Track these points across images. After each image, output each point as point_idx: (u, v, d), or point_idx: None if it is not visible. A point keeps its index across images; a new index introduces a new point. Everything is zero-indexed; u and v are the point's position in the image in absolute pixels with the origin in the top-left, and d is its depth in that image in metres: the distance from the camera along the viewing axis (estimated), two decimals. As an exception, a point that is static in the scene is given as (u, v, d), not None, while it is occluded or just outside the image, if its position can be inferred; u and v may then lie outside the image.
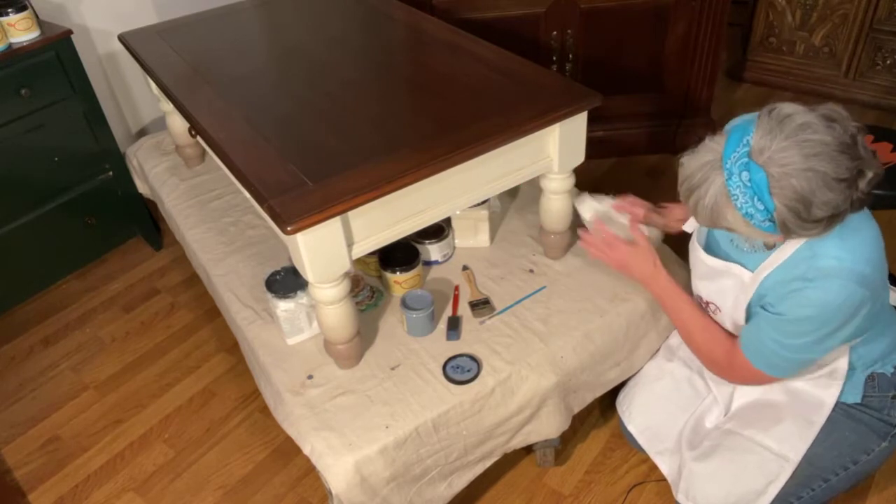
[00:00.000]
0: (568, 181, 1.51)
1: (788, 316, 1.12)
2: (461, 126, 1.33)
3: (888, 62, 2.76)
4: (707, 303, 1.33)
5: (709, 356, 1.31)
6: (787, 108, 1.01)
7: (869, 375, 1.28)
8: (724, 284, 1.26)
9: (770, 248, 1.17)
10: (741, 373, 1.25)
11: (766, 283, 1.17)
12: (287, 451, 1.76)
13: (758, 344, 1.19)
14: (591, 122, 1.46)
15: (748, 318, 1.23)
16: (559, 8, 2.34)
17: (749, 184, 1.00)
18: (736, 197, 1.02)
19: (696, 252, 1.33)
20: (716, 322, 1.32)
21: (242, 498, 1.68)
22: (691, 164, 1.08)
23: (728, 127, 1.10)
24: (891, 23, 2.67)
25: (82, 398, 1.96)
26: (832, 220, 1.01)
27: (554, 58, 2.44)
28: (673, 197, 1.56)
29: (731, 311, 1.26)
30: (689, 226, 1.43)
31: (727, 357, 1.26)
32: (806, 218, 0.99)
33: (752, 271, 1.20)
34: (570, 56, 2.43)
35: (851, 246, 1.08)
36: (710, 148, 1.06)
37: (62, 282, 2.35)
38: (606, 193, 1.52)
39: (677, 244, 1.68)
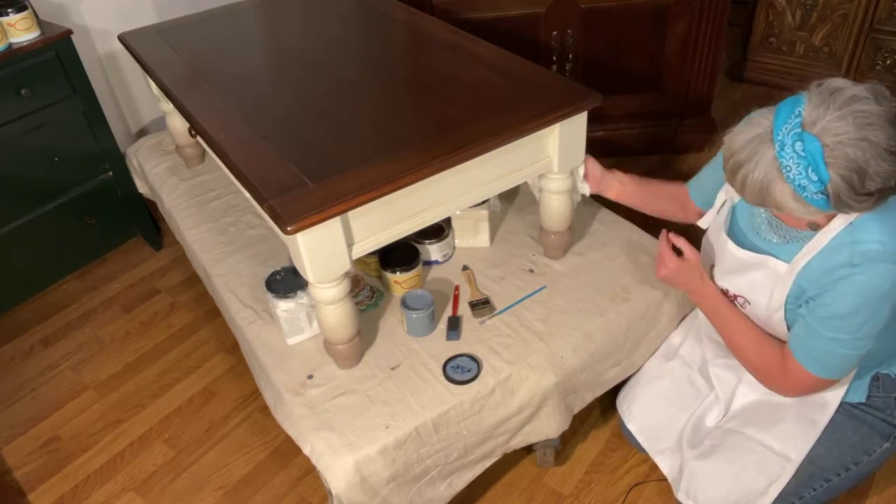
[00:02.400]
0: (568, 181, 1.51)
1: (838, 309, 1.10)
2: (461, 126, 1.33)
3: (888, 62, 2.76)
4: (735, 296, 1.30)
5: (761, 369, 1.27)
6: (837, 81, 1.01)
7: (874, 376, 1.28)
8: (755, 278, 1.24)
9: (815, 229, 1.13)
10: (797, 382, 1.21)
11: (806, 274, 1.15)
12: (287, 451, 1.76)
13: (810, 346, 1.16)
14: (591, 122, 1.46)
15: (787, 312, 1.21)
16: (559, 8, 2.34)
17: (803, 153, 0.98)
18: (788, 168, 1.00)
19: (724, 245, 1.30)
20: (766, 333, 1.28)
21: (242, 498, 1.68)
22: (737, 139, 1.06)
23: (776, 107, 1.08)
24: (891, 23, 2.67)
25: (82, 398, 1.96)
26: (882, 194, 1.00)
27: (554, 58, 2.44)
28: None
29: (766, 305, 1.23)
30: (705, 221, 1.42)
31: (780, 368, 1.23)
32: (859, 190, 0.98)
33: (788, 262, 1.18)
34: (570, 56, 2.43)
35: (893, 230, 1.07)
36: (758, 122, 1.04)
37: (62, 282, 2.35)
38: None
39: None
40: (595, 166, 1.55)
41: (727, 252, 1.30)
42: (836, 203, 1.00)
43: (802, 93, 1.03)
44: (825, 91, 1.00)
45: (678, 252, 1.36)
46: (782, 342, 1.26)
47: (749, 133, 1.04)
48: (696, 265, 1.33)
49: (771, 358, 1.25)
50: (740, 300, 1.30)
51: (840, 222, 1.10)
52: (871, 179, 0.98)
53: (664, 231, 1.38)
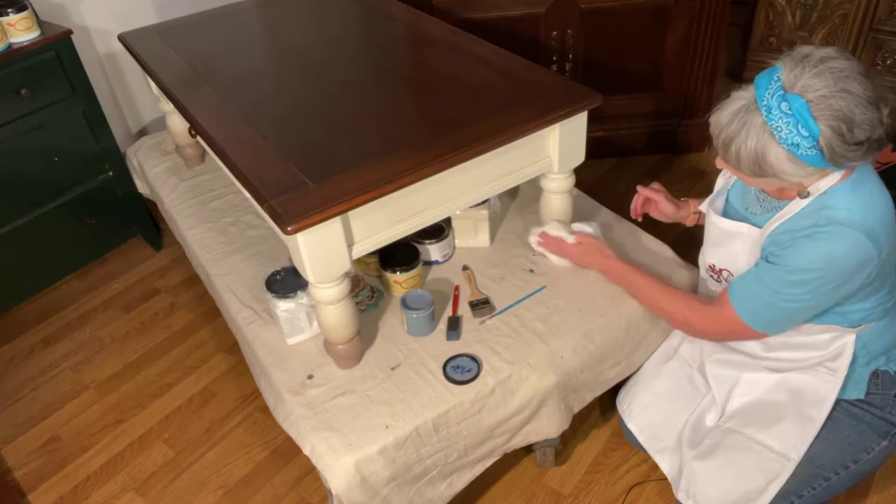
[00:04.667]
0: (568, 181, 1.51)
1: (790, 262, 1.13)
2: (461, 126, 1.33)
3: (888, 62, 2.76)
4: (720, 270, 1.34)
5: (681, 318, 1.33)
6: (805, 48, 1.06)
7: (873, 372, 1.28)
8: (734, 247, 1.28)
9: (804, 197, 1.16)
10: (722, 324, 1.26)
11: (773, 236, 1.18)
12: (287, 451, 1.76)
13: (749, 292, 1.19)
14: (591, 122, 1.46)
15: None
16: (559, 8, 2.34)
17: (790, 112, 1.02)
18: (779, 129, 1.03)
19: (710, 218, 1.35)
20: (676, 288, 1.37)
21: (242, 498, 1.68)
22: (724, 114, 1.09)
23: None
24: (891, 23, 2.67)
25: (82, 398, 1.96)
26: (871, 144, 1.03)
27: (554, 58, 2.44)
28: (673, 196, 1.57)
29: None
30: (704, 206, 1.44)
31: (703, 315, 1.29)
32: (850, 139, 1.02)
33: (762, 228, 1.21)
34: (570, 56, 2.43)
35: (864, 203, 1.10)
36: (739, 96, 1.08)
37: (62, 282, 2.35)
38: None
39: (683, 245, 1.69)
40: (666, 204, 1.55)
41: (711, 224, 1.35)
42: (831, 155, 1.03)
43: (776, 63, 1.07)
44: (797, 56, 1.05)
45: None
46: (697, 296, 1.35)
47: (733, 106, 1.08)
48: (593, 243, 1.49)
49: (687, 304, 1.32)
50: (725, 273, 1.33)
51: (821, 186, 1.12)
52: (859, 128, 1.01)
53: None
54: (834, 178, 1.12)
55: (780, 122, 1.03)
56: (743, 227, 1.26)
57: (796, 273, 1.13)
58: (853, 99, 1.00)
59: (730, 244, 1.30)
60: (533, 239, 1.61)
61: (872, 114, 1.01)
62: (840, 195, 1.11)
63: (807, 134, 1.02)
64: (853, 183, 1.11)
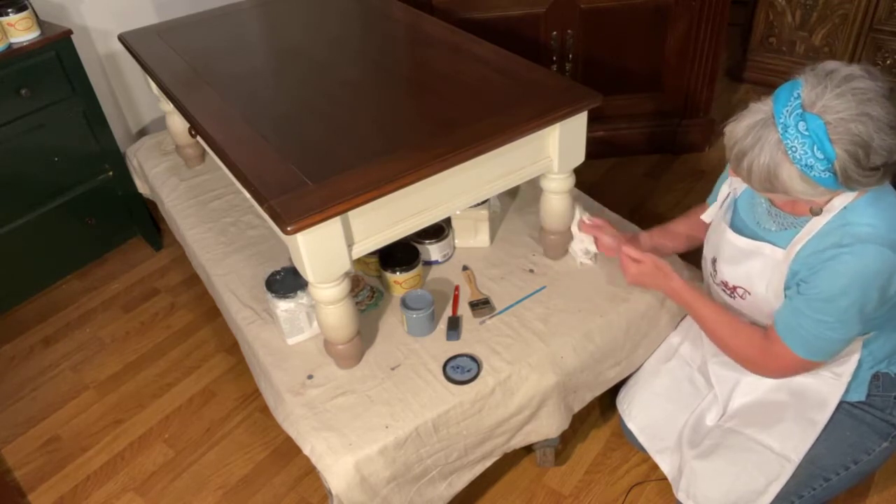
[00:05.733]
0: (568, 181, 1.51)
1: (825, 290, 1.11)
2: (461, 126, 1.33)
3: (888, 62, 2.76)
4: (734, 287, 1.31)
5: (742, 354, 1.28)
6: (830, 64, 1.03)
7: (874, 374, 1.28)
8: (752, 266, 1.25)
9: (816, 214, 1.14)
10: (781, 363, 1.22)
11: (799, 258, 1.16)
12: (287, 451, 1.76)
13: (797, 328, 1.16)
14: (591, 122, 1.46)
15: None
16: (559, 8, 2.34)
17: (807, 133, 1.00)
18: (794, 149, 1.01)
19: (724, 234, 1.31)
20: (742, 320, 1.30)
21: (242, 498, 1.68)
22: (739, 126, 1.07)
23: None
24: (891, 23, 2.67)
25: (82, 398, 1.96)
26: (887, 168, 1.02)
27: (554, 58, 2.44)
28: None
29: (765, 295, 1.24)
30: (708, 216, 1.42)
31: (763, 352, 1.24)
32: (865, 165, 1.00)
33: (784, 249, 1.19)
34: (570, 56, 2.43)
35: (886, 216, 1.09)
36: (758, 109, 1.06)
37: (62, 282, 2.35)
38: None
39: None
40: (614, 240, 1.49)
41: (726, 241, 1.31)
42: (844, 179, 1.01)
43: (798, 77, 1.05)
44: (820, 73, 1.02)
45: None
46: (759, 326, 1.28)
47: (750, 119, 1.06)
48: (653, 266, 1.36)
49: (750, 341, 1.26)
50: (740, 291, 1.30)
51: (838, 203, 1.11)
52: (876, 153, 0.99)
53: (622, 246, 1.42)
54: (852, 193, 1.10)
55: (795, 141, 1.00)
56: (765, 247, 1.22)
57: (834, 301, 1.10)
58: (873, 123, 0.98)
59: (746, 263, 1.26)
60: (581, 236, 1.57)
61: (892, 139, 0.99)
62: (860, 210, 1.09)
63: (822, 156, 1.00)
64: (873, 197, 1.10)
